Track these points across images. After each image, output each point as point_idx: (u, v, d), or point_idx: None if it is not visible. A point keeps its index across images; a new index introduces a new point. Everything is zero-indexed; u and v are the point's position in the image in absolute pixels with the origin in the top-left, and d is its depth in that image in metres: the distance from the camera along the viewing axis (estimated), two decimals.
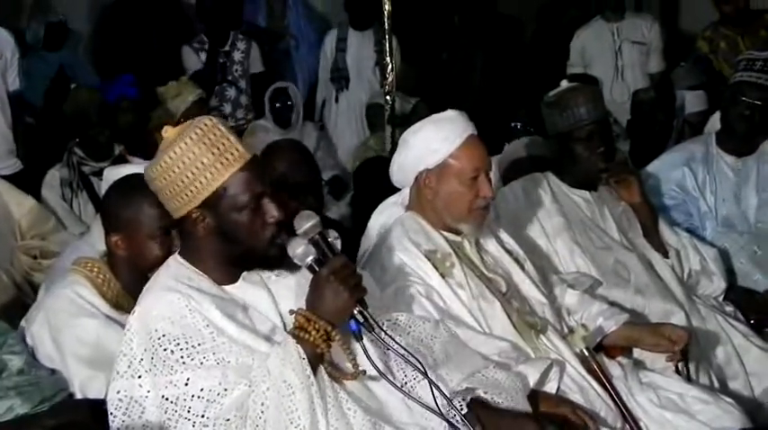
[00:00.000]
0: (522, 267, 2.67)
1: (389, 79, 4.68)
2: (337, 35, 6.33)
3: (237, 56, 6.12)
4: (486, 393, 2.14)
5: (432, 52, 6.72)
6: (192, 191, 1.95)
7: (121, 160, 4.13)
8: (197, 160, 1.94)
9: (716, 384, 2.94)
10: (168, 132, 2.00)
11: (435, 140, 2.51)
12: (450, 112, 2.57)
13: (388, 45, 4.66)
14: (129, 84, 4.79)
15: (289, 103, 5.77)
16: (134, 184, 2.42)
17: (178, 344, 1.92)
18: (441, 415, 1.97)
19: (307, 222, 2.00)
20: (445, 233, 2.55)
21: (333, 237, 2.04)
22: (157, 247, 2.35)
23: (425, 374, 1.99)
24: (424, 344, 2.21)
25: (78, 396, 2.29)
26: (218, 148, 1.95)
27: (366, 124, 5.99)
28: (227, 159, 1.95)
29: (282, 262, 2.02)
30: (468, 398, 2.10)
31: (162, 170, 1.96)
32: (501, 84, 6.35)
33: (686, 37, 6.45)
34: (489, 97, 6.19)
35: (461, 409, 2.05)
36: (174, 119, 4.69)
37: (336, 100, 6.32)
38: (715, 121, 3.75)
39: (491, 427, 2.09)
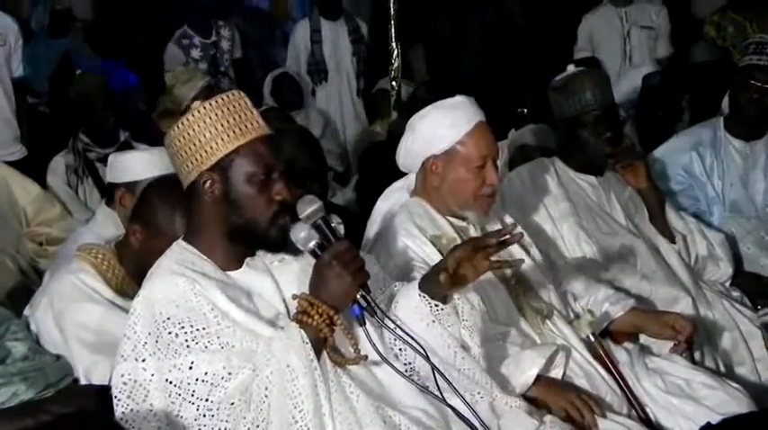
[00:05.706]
0: (528, 252, 2.66)
1: (395, 65, 4.65)
2: (310, 27, 6.16)
3: (225, 45, 6.02)
4: None
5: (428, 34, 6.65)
6: (207, 151, 1.95)
7: (127, 146, 4.13)
8: (217, 122, 1.95)
9: (722, 369, 2.94)
10: (196, 102, 2.01)
11: (443, 126, 2.48)
12: (458, 98, 2.54)
13: (393, 31, 4.63)
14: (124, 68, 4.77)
15: (295, 88, 5.74)
16: (177, 189, 2.40)
17: (183, 327, 1.92)
18: (443, 400, 1.96)
19: (309, 207, 1.99)
20: (451, 218, 2.54)
21: (336, 221, 2.03)
22: None
23: (428, 358, 1.98)
24: None
25: (83, 381, 2.30)
26: (240, 116, 1.97)
27: (347, 115, 5.93)
28: (245, 127, 1.97)
29: (284, 245, 2.01)
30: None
31: (181, 129, 1.97)
32: (504, 68, 6.30)
33: (698, 21, 6.40)
34: (493, 82, 6.14)
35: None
36: (182, 106, 4.65)
37: (313, 93, 6.16)
38: None
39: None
